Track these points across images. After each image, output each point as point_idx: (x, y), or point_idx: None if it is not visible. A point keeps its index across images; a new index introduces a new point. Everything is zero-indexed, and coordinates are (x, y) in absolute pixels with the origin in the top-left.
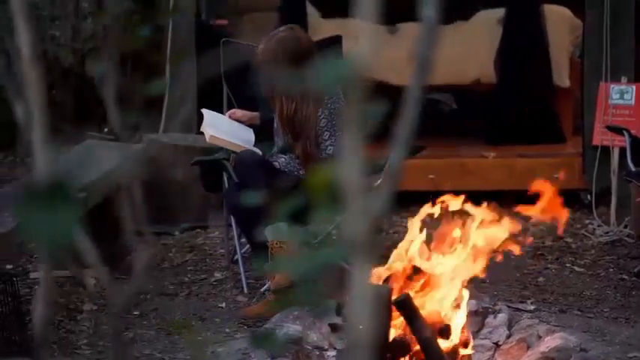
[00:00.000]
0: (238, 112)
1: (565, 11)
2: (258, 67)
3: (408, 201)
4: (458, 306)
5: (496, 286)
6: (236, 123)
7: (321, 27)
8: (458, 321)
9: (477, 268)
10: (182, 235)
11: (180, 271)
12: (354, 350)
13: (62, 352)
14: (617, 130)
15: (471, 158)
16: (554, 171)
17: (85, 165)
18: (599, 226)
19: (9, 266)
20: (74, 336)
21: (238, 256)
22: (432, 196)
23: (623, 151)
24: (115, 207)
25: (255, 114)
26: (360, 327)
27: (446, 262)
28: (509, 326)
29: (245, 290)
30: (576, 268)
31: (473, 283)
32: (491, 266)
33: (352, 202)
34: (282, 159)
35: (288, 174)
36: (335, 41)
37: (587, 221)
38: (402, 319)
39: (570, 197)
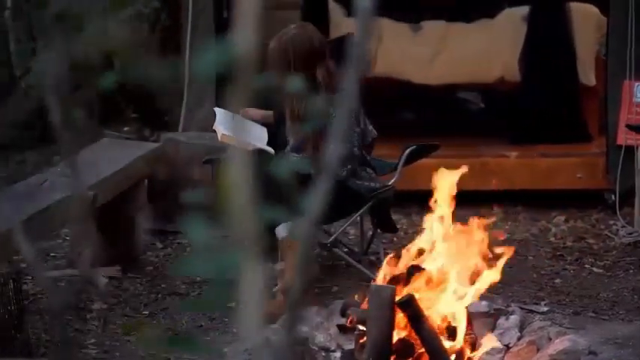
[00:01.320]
0: (251, 111)
1: (591, 9)
2: (269, 66)
3: (427, 201)
4: (465, 307)
5: (511, 286)
6: (249, 121)
7: (343, 25)
8: (465, 322)
9: (485, 269)
10: None
11: None
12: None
13: None
14: (637, 129)
15: (493, 158)
16: (577, 171)
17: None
18: (622, 227)
19: (23, 265)
20: (82, 335)
21: None
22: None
23: None
24: (128, 206)
25: (269, 112)
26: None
27: (453, 262)
28: (521, 328)
29: None
30: (595, 269)
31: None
32: (507, 267)
33: (238, 202)
34: (294, 158)
35: (300, 173)
36: (349, 40)
37: (611, 222)
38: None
39: (594, 197)
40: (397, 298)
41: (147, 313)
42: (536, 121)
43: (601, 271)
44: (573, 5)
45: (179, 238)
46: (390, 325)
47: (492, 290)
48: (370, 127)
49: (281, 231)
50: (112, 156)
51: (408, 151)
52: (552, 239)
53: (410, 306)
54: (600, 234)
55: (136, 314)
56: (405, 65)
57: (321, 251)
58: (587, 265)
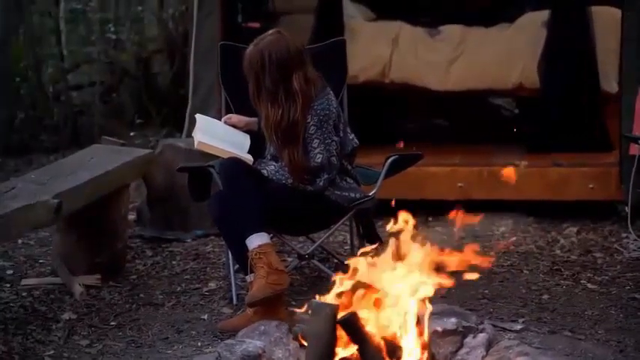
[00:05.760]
0: (234, 118)
1: (614, 12)
2: (245, 71)
3: (435, 210)
4: (417, 324)
5: (495, 302)
6: (231, 129)
7: (358, 29)
8: (414, 341)
9: (437, 283)
10: (193, 243)
11: (176, 279)
12: None
13: None
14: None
15: (502, 167)
16: (589, 181)
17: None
18: (634, 240)
19: (9, 272)
20: (42, 346)
21: (230, 266)
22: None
23: None
24: (111, 213)
25: (253, 119)
26: None
27: (404, 278)
28: (489, 347)
29: (234, 302)
30: (589, 285)
31: (471, 299)
32: (498, 281)
33: None
34: (272, 166)
35: (276, 182)
36: (337, 45)
37: (623, 235)
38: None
39: (608, 209)
40: (339, 316)
41: (115, 324)
42: (555, 129)
43: (595, 287)
44: (595, 9)
45: (172, 246)
46: (331, 344)
47: (470, 306)
48: (351, 136)
49: (253, 241)
50: (95, 162)
51: (390, 160)
52: (558, 252)
53: (351, 324)
54: (610, 247)
55: (104, 325)
56: (421, 71)
57: (300, 262)
58: (582, 281)
